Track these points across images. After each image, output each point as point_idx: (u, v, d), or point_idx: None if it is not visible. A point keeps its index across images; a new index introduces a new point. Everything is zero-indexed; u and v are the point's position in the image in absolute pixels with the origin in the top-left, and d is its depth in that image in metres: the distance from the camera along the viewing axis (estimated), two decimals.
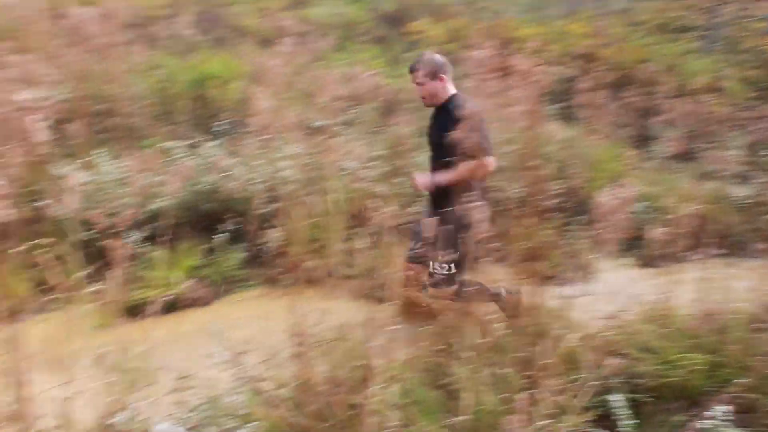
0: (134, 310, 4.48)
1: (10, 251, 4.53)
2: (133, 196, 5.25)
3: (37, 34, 7.96)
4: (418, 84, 4.27)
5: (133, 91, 6.97)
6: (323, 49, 8.99)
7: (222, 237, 5.25)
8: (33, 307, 4.68)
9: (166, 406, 3.07)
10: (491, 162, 4.09)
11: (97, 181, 5.35)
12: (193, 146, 6.04)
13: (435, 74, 4.21)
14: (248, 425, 2.84)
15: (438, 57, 4.30)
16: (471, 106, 4.08)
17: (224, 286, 5.14)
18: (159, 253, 4.97)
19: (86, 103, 6.53)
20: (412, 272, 4.44)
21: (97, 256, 4.39)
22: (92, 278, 4.27)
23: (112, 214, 5.03)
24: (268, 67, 7.50)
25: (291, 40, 8.08)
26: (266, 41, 9.53)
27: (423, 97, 4.32)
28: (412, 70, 4.29)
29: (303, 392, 2.99)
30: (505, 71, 6.07)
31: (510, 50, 6.66)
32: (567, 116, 7.86)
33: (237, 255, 5.26)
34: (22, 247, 4.46)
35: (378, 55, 9.46)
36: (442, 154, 4.04)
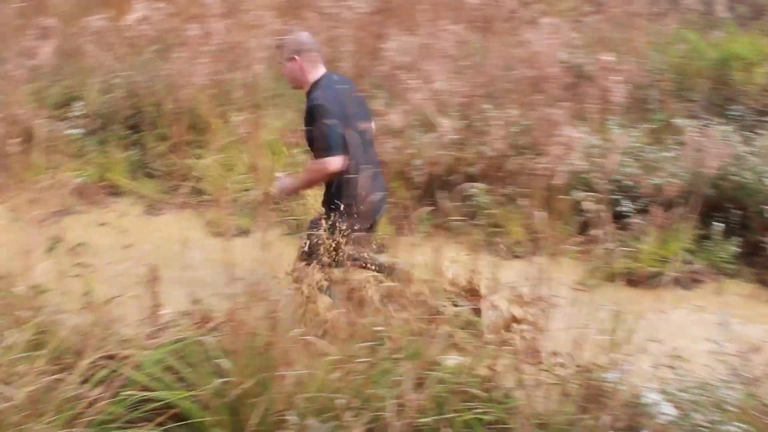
0: (615, 277, 4.57)
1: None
2: (636, 167, 5.28)
3: None
4: (279, 64, 4.10)
5: (650, 63, 6.92)
6: None
7: (719, 226, 5.00)
8: (525, 249, 5.02)
9: (651, 377, 3.06)
10: (333, 162, 3.76)
11: (602, 147, 5.48)
12: (704, 127, 5.79)
13: (292, 55, 3.94)
14: (735, 423, 2.70)
15: (300, 36, 4.04)
16: (323, 94, 3.82)
17: (709, 275, 4.95)
18: (649, 228, 4.95)
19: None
20: None
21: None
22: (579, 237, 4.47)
23: (617, 181, 5.17)
24: None
25: None
26: None
27: (288, 81, 4.09)
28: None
29: None
30: None
31: None
32: None
33: (729, 247, 4.99)
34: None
35: None
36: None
